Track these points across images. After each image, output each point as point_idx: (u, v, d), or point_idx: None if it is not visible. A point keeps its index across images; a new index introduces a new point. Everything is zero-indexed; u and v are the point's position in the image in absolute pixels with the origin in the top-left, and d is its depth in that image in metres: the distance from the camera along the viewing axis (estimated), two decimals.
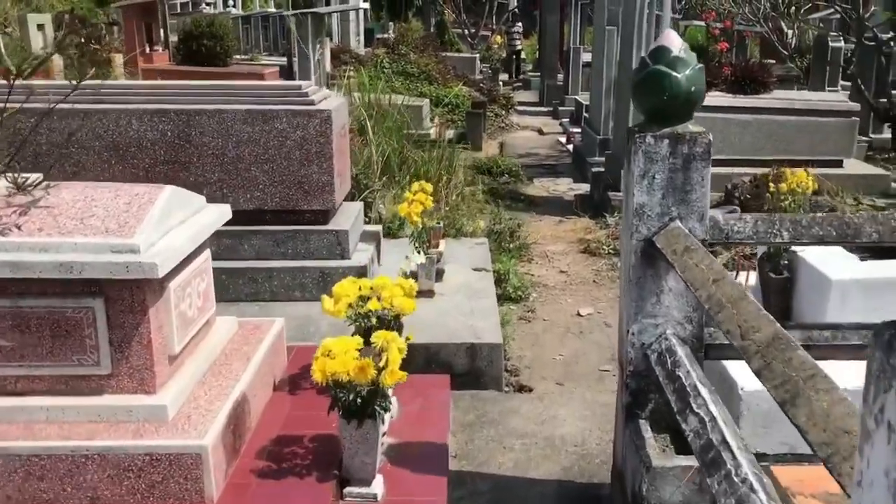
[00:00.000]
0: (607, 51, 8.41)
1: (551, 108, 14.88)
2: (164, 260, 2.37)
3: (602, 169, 7.89)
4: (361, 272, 3.99)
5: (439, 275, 4.31)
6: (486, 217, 6.61)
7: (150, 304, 2.42)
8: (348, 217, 4.26)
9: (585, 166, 8.67)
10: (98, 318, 2.40)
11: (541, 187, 8.41)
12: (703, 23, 9.57)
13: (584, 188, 8.25)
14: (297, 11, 11.99)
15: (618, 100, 7.45)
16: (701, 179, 2.41)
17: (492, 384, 3.58)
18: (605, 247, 5.62)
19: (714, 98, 7.03)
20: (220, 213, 2.95)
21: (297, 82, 4.11)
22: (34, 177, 2.71)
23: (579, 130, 11.87)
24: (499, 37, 27.48)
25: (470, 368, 3.57)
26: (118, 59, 15.08)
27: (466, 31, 22.58)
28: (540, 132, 12.93)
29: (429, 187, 4.13)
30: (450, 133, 12.09)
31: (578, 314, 4.56)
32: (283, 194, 4.02)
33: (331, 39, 18.28)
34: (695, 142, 2.39)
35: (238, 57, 18.97)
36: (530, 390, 3.64)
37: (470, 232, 5.96)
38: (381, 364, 2.43)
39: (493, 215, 6.36)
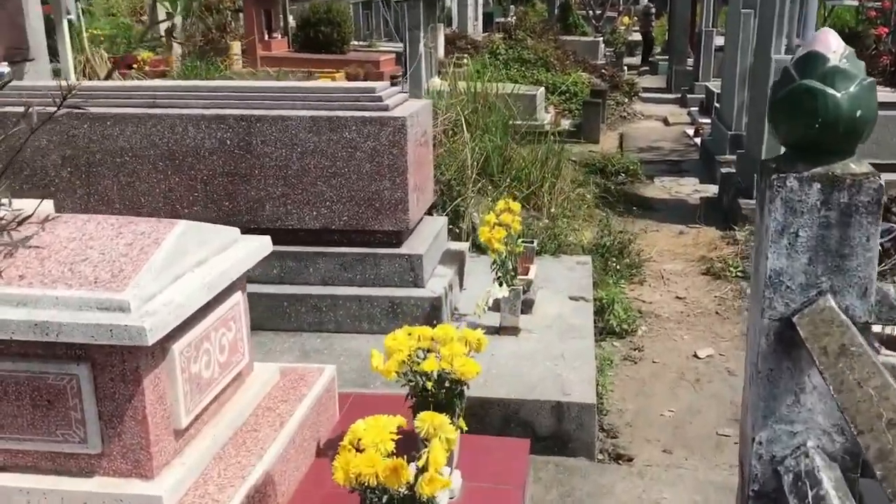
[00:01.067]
0: (742, 36, 7.48)
1: (679, 96, 13.83)
2: (158, 322, 1.91)
3: (732, 170, 7.02)
4: (435, 304, 3.46)
5: (528, 306, 3.72)
6: (593, 227, 5.94)
7: (146, 373, 1.98)
8: (425, 238, 3.73)
9: (714, 164, 7.80)
10: (83, 387, 1.98)
11: (661, 188, 7.61)
12: (854, 2, 8.39)
13: (712, 190, 7.40)
14: None
15: (753, 92, 6.57)
16: (866, 240, 1.72)
17: (581, 451, 2.98)
18: (731, 268, 4.84)
19: None
20: (256, 248, 2.49)
21: (370, 84, 3.61)
22: (41, 206, 2.33)
23: (709, 121, 10.89)
24: (626, 18, 26.21)
25: (555, 431, 2.98)
26: (236, 46, 15.18)
27: (591, 13, 21.56)
28: (665, 122, 11.98)
29: (516, 206, 3.54)
30: (566, 123, 11.38)
31: (695, 356, 3.86)
32: (352, 212, 3.54)
33: (449, 25, 17.81)
34: (859, 188, 1.69)
35: (357, 43, 18.82)
36: (629, 460, 3.01)
37: (574, 244, 5.34)
38: (422, 463, 1.90)
39: (602, 225, 5.68)
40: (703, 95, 12.20)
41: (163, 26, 19.45)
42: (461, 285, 4.05)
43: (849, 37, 7.94)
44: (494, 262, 3.45)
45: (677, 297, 4.59)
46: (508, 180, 5.94)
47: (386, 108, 3.48)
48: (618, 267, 4.87)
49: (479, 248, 5.11)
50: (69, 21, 4.97)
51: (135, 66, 12.55)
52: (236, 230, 2.50)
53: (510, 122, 7.52)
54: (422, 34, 10.40)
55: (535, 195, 5.80)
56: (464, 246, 4.22)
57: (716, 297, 4.55)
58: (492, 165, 6.23)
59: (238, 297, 2.47)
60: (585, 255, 4.76)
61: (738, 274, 4.77)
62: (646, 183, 7.78)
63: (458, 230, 5.03)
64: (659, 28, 24.44)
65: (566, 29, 22.35)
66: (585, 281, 4.25)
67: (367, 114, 3.46)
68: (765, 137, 5.92)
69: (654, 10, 20.15)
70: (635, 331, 4.08)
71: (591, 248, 5.22)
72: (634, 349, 3.92)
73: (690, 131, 10.42)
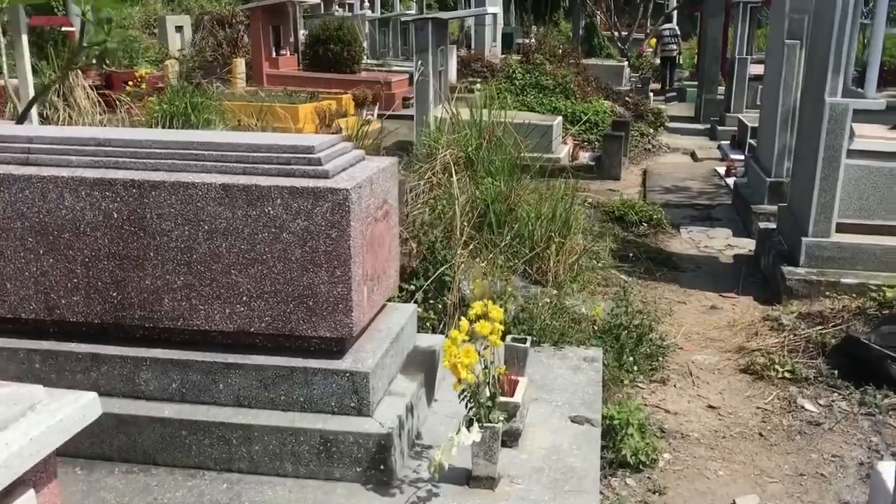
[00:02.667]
0: (786, 70, 6.54)
1: (709, 127, 12.87)
2: None
3: (772, 225, 6.06)
4: (384, 443, 2.54)
5: (514, 437, 2.80)
6: (608, 296, 5.01)
7: None
8: (379, 342, 2.82)
9: (749, 214, 6.84)
10: None
11: (689, 241, 6.66)
12: None
13: (748, 245, 6.44)
14: (417, 17, 10.78)
15: (802, 140, 5.61)
16: None
17: None
18: (777, 366, 3.88)
19: None
20: (65, 420, 1.60)
21: (304, 140, 2.71)
22: None
23: (741, 158, 9.93)
24: (653, 40, 25.29)
25: None
26: (239, 64, 14.42)
27: (617, 35, 20.65)
28: (693, 157, 11.02)
29: (497, 313, 2.61)
30: (585, 156, 10.46)
31: None
32: (277, 311, 2.65)
33: (466, 46, 16.98)
34: None
35: (371, 62, 18.03)
36: None
37: (583, 323, 4.41)
38: None
39: (617, 297, 4.74)
40: (736, 128, 11.24)
41: (175, 42, 18.81)
42: (431, 398, 3.14)
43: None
44: (462, 393, 2.53)
45: (709, 407, 3.64)
46: (509, 237, 5.03)
47: (325, 175, 2.59)
48: (635, 359, 3.92)
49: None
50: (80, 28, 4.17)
51: (130, 83, 11.80)
52: (34, 391, 1.61)
53: (521, 158, 6.66)
54: (430, 57, 9.58)
55: (540, 257, 4.89)
56: (436, 342, 3.30)
57: (758, 408, 3.59)
58: (491, 217, 5.34)
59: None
60: (595, 347, 3.82)
61: (786, 375, 3.81)
62: (671, 234, 6.83)
63: (440, 307, 4.12)
64: (687, 52, 23.49)
65: (591, 51, 21.50)
66: (593, 389, 3.31)
67: (298, 182, 2.57)
68: (814, 199, 4.96)
69: (673, 33, 19.12)
70: (655, 461, 3.14)
71: (604, 329, 4.29)
72: (652, 491, 2.97)
73: (721, 169, 9.46)
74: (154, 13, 22.96)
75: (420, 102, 10.03)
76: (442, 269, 4.25)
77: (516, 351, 3.11)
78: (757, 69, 12.14)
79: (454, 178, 4.97)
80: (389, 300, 3.21)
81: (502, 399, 2.75)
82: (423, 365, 3.09)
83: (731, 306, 4.95)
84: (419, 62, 9.76)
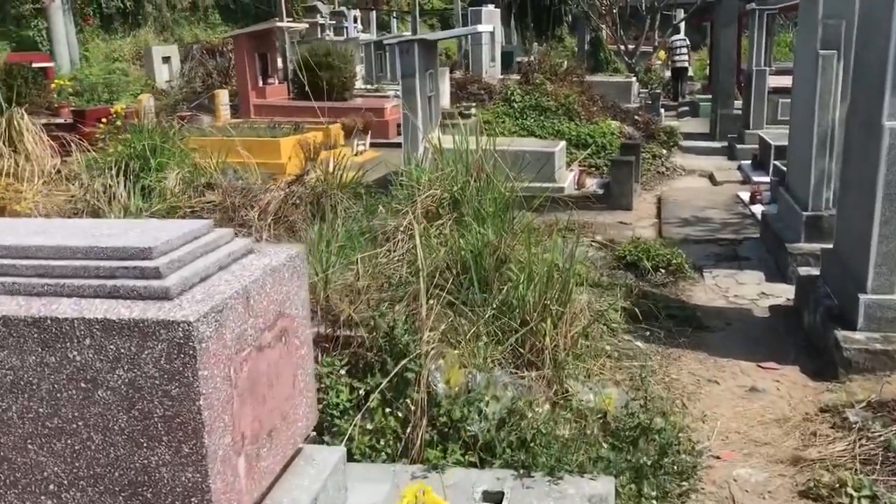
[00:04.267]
0: (821, 85, 5.56)
1: (726, 145, 11.89)
2: None
3: (814, 270, 5.07)
4: None
5: None
6: (622, 372, 4.04)
7: None
8: None
9: (783, 253, 5.85)
10: None
11: (715, 289, 5.67)
12: None
13: (784, 293, 5.45)
14: (402, 38, 9.92)
15: (848, 166, 4.63)
16: None
17: None
18: (851, 489, 2.88)
19: None
20: None
21: (139, 239, 1.78)
22: None
23: (766, 181, 8.95)
24: (662, 52, 24.39)
25: None
26: (222, 95, 13.60)
27: (624, 49, 19.74)
28: (712, 180, 10.05)
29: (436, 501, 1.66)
30: (592, 183, 9.51)
31: None
32: None
33: (463, 67, 16.10)
34: None
35: (366, 87, 17.19)
36: None
37: (591, 415, 3.47)
38: None
39: (633, 383, 3.78)
40: (757, 146, 10.27)
41: (163, 74, 18.09)
42: None
43: None
44: None
45: None
46: (497, 303, 4.06)
47: (162, 296, 1.65)
48: (657, 484, 2.93)
49: (444, 436, 3.26)
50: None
51: (104, 119, 10.94)
52: None
53: (515, 196, 5.75)
54: (417, 82, 8.71)
55: (534, 332, 3.92)
56: (380, 500, 2.34)
57: None
58: (474, 278, 4.39)
59: None
60: (605, 477, 2.83)
61: (864, 502, 2.82)
62: (693, 279, 5.85)
63: (404, 409, 3.18)
64: (697, 63, 22.55)
65: (597, 66, 20.60)
66: None
67: (116, 310, 1.63)
68: (873, 247, 3.98)
69: (683, 44, 18.18)
70: None
71: (616, 431, 3.32)
72: None
73: (745, 195, 8.47)
74: (145, 44, 22.31)
75: (407, 133, 9.12)
76: (404, 361, 3.30)
77: None
78: (776, 81, 11.19)
79: (416, 234, 4.01)
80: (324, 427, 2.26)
81: None
82: None
83: (774, 385, 3.95)
84: (426, 80, 8.89)
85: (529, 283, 4.12)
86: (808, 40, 5.85)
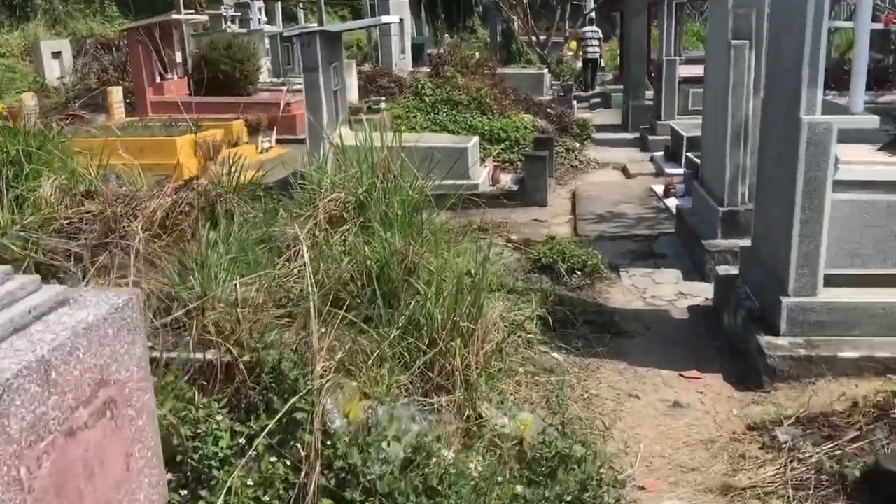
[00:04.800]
0: (734, 76, 5.40)
1: (638, 136, 11.83)
2: None
3: (733, 270, 4.90)
4: None
5: None
6: (539, 391, 3.75)
7: None
8: None
9: (699, 250, 5.68)
10: None
11: (632, 289, 5.46)
12: (880, 24, 6.40)
13: (703, 292, 5.28)
14: (303, 30, 9.43)
15: (764, 160, 4.45)
16: None
17: None
18: None
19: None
20: None
21: None
22: None
23: (679, 172, 8.87)
24: (573, 42, 24.43)
25: None
26: (115, 92, 12.78)
27: (535, 40, 19.62)
28: (625, 173, 9.93)
29: None
30: (507, 179, 9.25)
31: None
32: None
33: (373, 60, 15.62)
34: None
35: (273, 81, 16.52)
36: None
37: (507, 441, 3.17)
38: None
39: (550, 394, 3.49)
40: (669, 137, 10.21)
41: (54, 70, 16.99)
42: None
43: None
44: None
45: None
46: (399, 327, 3.70)
47: None
48: None
49: (338, 482, 2.88)
50: None
51: None
52: None
53: (425, 197, 5.42)
54: (321, 76, 8.26)
55: (444, 353, 3.58)
56: None
57: None
58: (377, 295, 4.03)
59: None
60: None
61: None
62: (609, 279, 5.62)
63: (297, 455, 2.79)
64: (609, 53, 22.63)
65: (510, 58, 20.45)
66: None
67: None
68: (794, 247, 3.79)
69: (595, 35, 18.15)
70: None
71: (532, 463, 3.02)
72: None
73: (659, 188, 8.35)
74: (35, 38, 20.93)
75: (311, 131, 8.67)
76: (293, 400, 2.90)
77: None
78: (686, 71, 11.17)
79: (304, 250, 3.63)
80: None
81: None
82: None
83: (698, 398, 3.72)
84: (330, 73, 8.45)
85: (438, 296, 3.77)
86: (719, 30, 5.68)
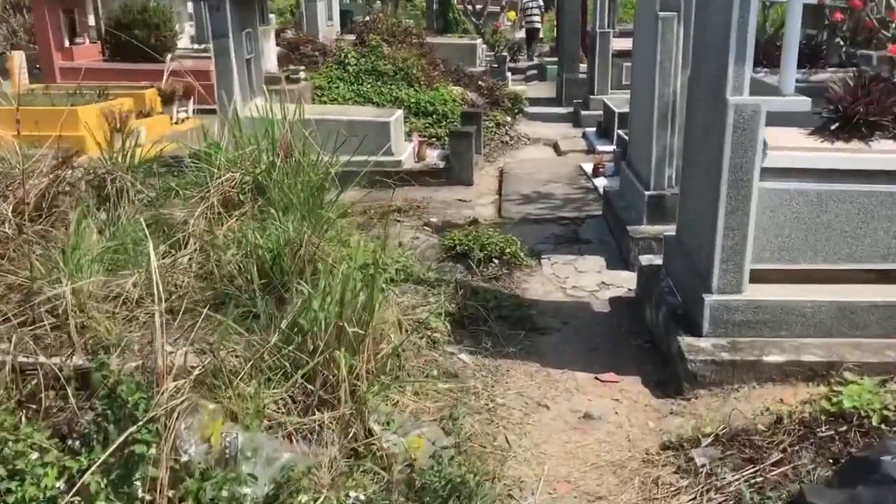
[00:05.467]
0: (661, 51, 5.05)
1: (572, 110, 11.51)
2: None
3: (657, 259, 4.59)
4: None
5: None
6: (441, 401, 3.36)
7: None
8: None
9: (624, 236, 5.36)
10: None
11: (553, 279, 5.11)
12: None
13: (626, 282, 4.97)
14: None
15: (690, 143, 4.12)
16: None
17: None
18: None
19: (818, 150, 3.61)
20: None
21: None
22: None
23: (609, 150, 8.57)
24: (511, 13, 23.97)
25: None
26: (17, 57, 11.87)
27: (471, 9, 19.11)
28: (556, 149, 9.60)
29: None
30: (433, 155, 8.81)
31: None
32: None
33: (299, 27, 14.91)
34: None
35: (194, 47, 15.69)
36: None
37: (397, 464, 2.79)
38: None
39: (449, 405, 3.11)
40: (601, 112, 9.90)
41: None
42: None
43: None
44: None
45: None
46: (281, 332, 3.26)
47: None
48: None
49: None
50: None
51: None
52: None
53: (344, 166, 5.01)
54: (231, 43, 7.67)
55: (329, 363, 3.15)
56: None
57: None
58: (256, 292, 3.59)
59: None
60: None
61: None
62: (529, 269, 5.26)
63: (140, 492, 2.35)
64: (547, 24, 22.25)
65: (447, 27, 19.87)
66: None
67: None
68: (718, 240, 3.47)
69: (536, 3, 17.77)
70: None
71: (421, 491, 2.64)
72: None
73: (588, 167, 8.03)
74: None
75: (221, 102, 8.07)
76: (132, 429, 2.45)
77: None
78: (620, 44, 10.84)
79: (151, 251, 3.17)
80: None
81: None
82: None
83: (612, 407, 3.38)
84: (243, 40, 7.88)
85: (326, 296, 3.34)
86: (647, 1, 5.31)
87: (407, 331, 3.70)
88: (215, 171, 4.99)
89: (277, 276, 4.06)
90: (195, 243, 4.57)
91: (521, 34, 19.76)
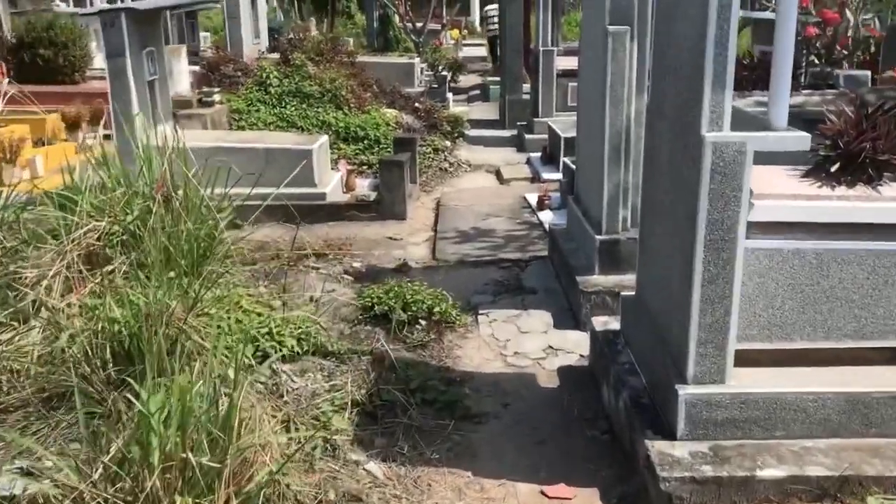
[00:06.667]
0: (612, 71, 4.28)
1: (515, 134, 10.76)
2: None
3: (614, 323, 3.78)
4: None
5: None
6: None
7: None
8: None
9: (574, 286, 4.55)
10: None
11: (491, 342, 4.28)
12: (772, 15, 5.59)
13: (577, 346, 4.17)
14: (103, 8, 7.87)
15: (650, 184, 3.33)
16: None
17: None
18: None
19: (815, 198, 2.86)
20: None
21: None
22: None
23: (555, 178, 7.84)
24: (455, 31, 23.35)
25: None
26: None
27: (411, 26, 18.36)
28: (499, 176, 8.82)
29: None
30: (364, 185, 7.97)
31: None
32: None
33: (217, 46, 13.91)
34: None
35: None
36: None
37: None
38: None
39: None
40: (546, 136, 9.16)
41: None
42: None
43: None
44: None
45: None
46: (105, 462, 2.35)
47: None
48: None
49: None
50: None
51: None
52: None
53: (212, 236, 4.15)
54: (129, 63, 6.76)
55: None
56: None
57: None
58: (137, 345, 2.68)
59: None
60: None
61: None
62: (465, 328, 4.43)
63: None
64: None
65: (388, 45, 19.10)
66: None
67: None
68: (694, 316, 2.68)
69: (496, 13, 17.15)
70: None
71: None
72: None
73: (532, 198, 7.24)
74: None
75: (119, 129, 7.17)
76: None
77: None
78: (565, 63, 10.15)
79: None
80: None
81: None
82: None
83: None
84: (144, 61, 7.00)
85: (167, 412, 2.44)
86: (594, 13, 4.55)
87: (299, 441, 2.83)
88: (75, 220, 4.06)
89: (138, 360, 3.17)
90: (46, 314, 3.67)
91: (463, 53, 19.07)
